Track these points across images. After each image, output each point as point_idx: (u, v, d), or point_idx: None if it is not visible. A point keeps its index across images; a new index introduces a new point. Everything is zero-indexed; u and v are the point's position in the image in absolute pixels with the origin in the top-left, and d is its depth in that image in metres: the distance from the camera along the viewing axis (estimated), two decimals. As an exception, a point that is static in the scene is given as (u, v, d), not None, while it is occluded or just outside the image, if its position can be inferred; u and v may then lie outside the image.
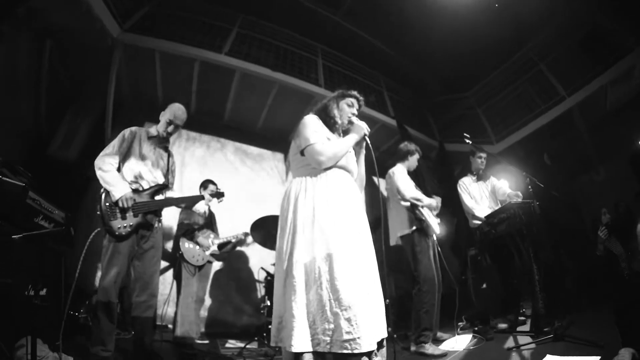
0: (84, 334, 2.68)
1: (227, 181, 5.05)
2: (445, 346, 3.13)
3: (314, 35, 5.96)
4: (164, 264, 4.47)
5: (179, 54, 4.51)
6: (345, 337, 1.51)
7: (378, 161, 2.09)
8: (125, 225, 2.47)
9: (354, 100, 2.14)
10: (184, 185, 4.76)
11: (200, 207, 4.08)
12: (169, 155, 2.93)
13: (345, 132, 2.08)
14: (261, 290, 4.11)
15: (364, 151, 2.14)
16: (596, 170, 6.24)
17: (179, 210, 4.20)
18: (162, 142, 2.87)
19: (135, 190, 2.58)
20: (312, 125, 1.96)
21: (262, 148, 6.09)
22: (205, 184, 4.25)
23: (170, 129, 2.83)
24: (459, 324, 3.78)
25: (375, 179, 6.01)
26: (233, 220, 4.70)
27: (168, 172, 2.86)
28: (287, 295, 1.65)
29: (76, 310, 3.10)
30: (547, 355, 2.26)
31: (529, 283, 3.29)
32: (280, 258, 1.80)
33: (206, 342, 3.89)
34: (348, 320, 1.53)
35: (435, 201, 3.63)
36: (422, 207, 3.39)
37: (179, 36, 4.58)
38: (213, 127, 5.65)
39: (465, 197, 3.99)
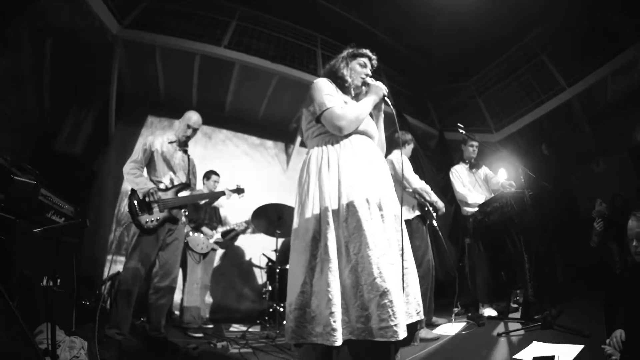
0: (95, 320, 2.84)
1: (229, 171, 5.17)
2: (439, 331, 3.25)
3: (313, 26, 5.96)
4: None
5: (179, 49, 4.57)
6: (382, 324, 1.35)
7: None
8: (152, 219, 2.70)
9: (366, 60, 1.90)
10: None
11: (223, 202, 4.26)
12: (189, 157, 3.17)
13: (358, 96, 1.86)
14: (263, 276, 4.26)
15: (382, 115, 1.90)
16: (596, 161, 6.27)
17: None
18: (181, 145, 3.10)
19: (160, 189, 2.82)
20: (325, 88, 1.71)
21: (263, 138, 6.19)
22: (208, 175, 4.38)
23: (189, 132, 3.09)
24: (454, 310, 3.91)
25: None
26: (236, 209, 4.83)
27: (189, 173, 3.10)
28: (324, 282, 1.43)
29: (87, 299, 3.29)
30: (534, 341, 2.35)
31: (520, 271, 3.41)
32: (302, 237, 1.57)
33: (211, 326, 4.06)
34: (383, 306, 1.36)
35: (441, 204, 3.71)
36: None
37: (178, 30, 4.64)
38: (214, 119, 5.72)
39: (457, 184, 4.02)
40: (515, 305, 3.74)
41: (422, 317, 1.58)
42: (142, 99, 5.25)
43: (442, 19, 6.30)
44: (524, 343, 2.39)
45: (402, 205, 1.77)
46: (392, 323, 1.35)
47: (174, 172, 2.98)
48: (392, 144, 3.79)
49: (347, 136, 1.68)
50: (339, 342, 1.35)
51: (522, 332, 2.73)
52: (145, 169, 2.92)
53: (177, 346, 2.73)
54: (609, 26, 5.40)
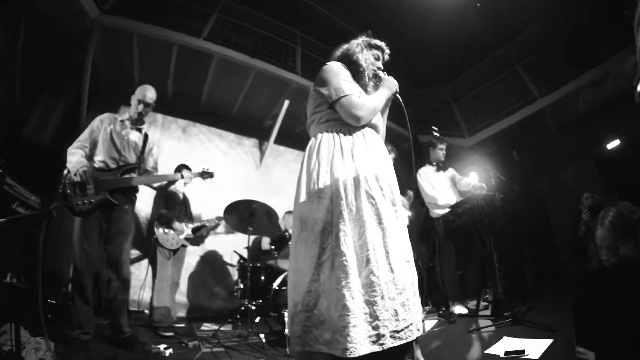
0: (62, 319, 2.68)
1: (202, 166, 5.03)
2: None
3: (294, 23, 5.93)
4: (139, 248, 4.46)
5: (157, 38, 4.42)
6: (401, 325, 1.27)
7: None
8: (85, 201, 2.46)
9: (379, 53, 1.83)
10: (159, 170, 4.71)
11: (180, 186, 4.08)
12: (145, 137, 2.90)
13: (364, 87, 1.74)
14: (234, 274, 4.17)
15: (387, 111, 1.86)
16: (564, 169, 6.57)
17: (154, 195, 4.18)
18: (134, 123, 2.84)
19: (98, 169, 2.57)
20: (343, 74, 1.62)
21: (237, 134, 6.08)
22: (179, 169, 4.23)
23: (140, 108, 2.82)
24: (425, 307, 3.97)
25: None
26: (207, 205, 4.72)
27: (143, 154, 2.83)
28: (334, 279, 1.28)
29: (54, 297, 3.07)
30: (504, 337, 2.42)
31: (490, 271, 3.50)
32: (311, 228, 1.41)
33: (182, 325, 3.93)
34: (402, 305, 1.30)
35: (407, 197, 3.76)
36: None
37: (158, 19, 4.47)
38: (189, 112, 5.59)
39: (426, 186, 4.05)
40: (485, 303, 3.85)
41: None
42: (116, 89, 5.02)
43: (422, 27, 6.44)
44: (494, 339, 2.45)
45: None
46: (409, 322, 1.29)
47: (120, 153, 2.70)
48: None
49: (359, 127, 1.59)
50: (353, 354, 1.16)
51: (492, 328, 2.80)
52: (91, 149, 2.66)
53: (147, 345, 2.60)
54: (583, 42, 5.66)
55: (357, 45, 1.79)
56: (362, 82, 1.72)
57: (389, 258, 1.33)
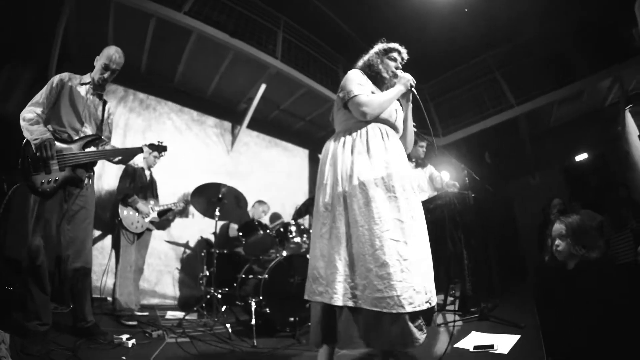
0: (19, 309, 2.44)
1: (171, 146, 4.79)
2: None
3: (279, 7, 5.74)
4: (102, 231, 4.21)
5: (135, 7, 4.11)
6: (377, 294, 1.45)
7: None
8: (50, 180, 2.17)
9: (396, 55, 2.01)
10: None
11: (139, 161, 3.85)
12: (104, 104, 2.65)
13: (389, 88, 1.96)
14: (201, 261, 4.02)
15: (411, 105, 2.01)
16: (532, 175, 6.87)
17: (119, 174, 3.94)
18: (96, 89, 2.59)
19: (61, 140, 2.29)
20: (356, 79, 1.87)
21: (210, 115, 5.87)
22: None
23: (106, 75, 2.58)
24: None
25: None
26: (174, 188, 4.53)
27: (102, 123, 2.59)
28: (329, 246, 1.62)
29: (11, 284, 2.73)
30: (473, 331, 2.47)
31: (458, 267, 3.56)
32: (317, 209, 1.76)
33: (145, 314, 3.74)
34: (380, 277, 1.47)
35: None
36: None
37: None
38: (161, 90, 5.32)
39: None
40: (451, 299, 3.92)
41: (432, 304, 1.58)
42: (87, 61, 4.66)
43: (405, 22, 6.43)
44: (462, 333, 2.49)
45: None
46: (386, 295, 1.44)
47: (82, 121, 2.44)
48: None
49: (370, 123, 1.80)
50: (335, 302, 1.51)
51: (460, 323, 2.86)
52: (48, 114, 2.36)
53: (109, 335, 2.44)
54: (563, 58, 5.92)
55: (376, 55, 2.00)
56: (386, 86, 1.94)
57: (373, 236, 1.53)
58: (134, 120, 4.92)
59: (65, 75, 2.48)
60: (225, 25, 4.80)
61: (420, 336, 1.48)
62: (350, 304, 1.50)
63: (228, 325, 2.96)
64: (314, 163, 6.80)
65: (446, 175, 4.25)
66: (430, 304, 1.55)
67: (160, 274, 4.64)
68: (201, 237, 4.33)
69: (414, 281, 1.50)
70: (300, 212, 4.19)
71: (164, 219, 4.32)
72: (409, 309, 1.44)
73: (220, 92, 5.72)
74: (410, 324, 1.45)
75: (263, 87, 5.36)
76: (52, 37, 3.99)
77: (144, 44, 4.62)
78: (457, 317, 3.02)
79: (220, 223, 4.05)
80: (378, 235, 1.53)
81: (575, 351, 1.79)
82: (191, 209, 4.48)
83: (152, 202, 3.90)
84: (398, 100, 1.93)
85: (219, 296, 3.56)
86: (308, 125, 6.67)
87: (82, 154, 2.34)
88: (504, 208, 6.55)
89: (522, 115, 6.25)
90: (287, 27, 5.83)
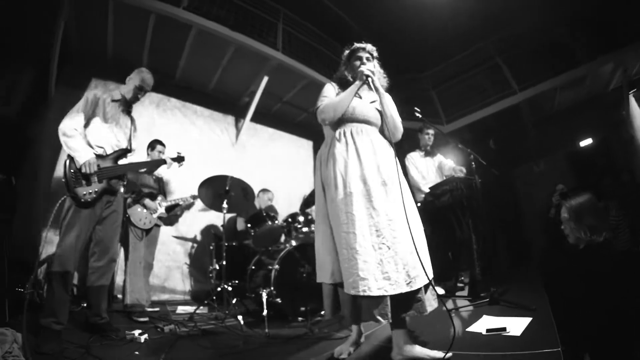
0: (30, 310, 2.49)
1: (176, 142, 4.85)
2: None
3: (278, -1, 5.73)
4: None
5: (134, 4, 4.10)
6: (352, 278, 1.67)
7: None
8: (90, 191, 2.41)
9: (360, 54, 2.09)
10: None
11: (163, 171, 3.93)
12: (132, 120, 2.85)
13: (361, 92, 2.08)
14: (210, 254, 4.05)
15: (385, 95, 2.05)
16: (536, 162, 6.84)
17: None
18: (125, 106, 2.78)
19: (99, 156, 2.51)
20: (323, 93, 2.05)
21: (213, 110, 5.90)
22: (152, 144, 4.06)
23: (140, 95, 2.80)
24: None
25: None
26: (181, 183, 4.55)
27: (131, 137, 2.80)
28: (319, 241, 1.96)
29: (21, 286, 2.84)
30: (484, 315, 2.48)
31: (467, 252, 3.57)
32: (316, 211, 2.06)
33: (156, 309, 3.79)
34: (355, 263, 1.67)
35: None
36: None
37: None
38: (164, 86, 5.33)
39: (412, 170, 4.12)
40: (461, 285, 3.94)
41: (414, 287, 1.69)
42: (87, 59, 4.69)
43: (407, 12, 6.40)
44: (474, 318, 2.50)
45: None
46: (357, 278, 1.66)
47: (115, 136, 2.66)
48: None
49: (340, 126, 1.97)
50: (328, 281, 1.88)
51: (471, 308, 2.87)
52: (84, 128, 2.53)
53: (122, 332, 2.51)
54: (565, 43, 5.88)
55: (343, 63, 2.17)
56: (367, 85, 2.01)
57: (340, 231, 1.77)
58: (137, 117, 4.90)
59: (98, 91, 2.70)
60: (225, 19, 4.79)
61: (380, 317, 1.64)
62: (329, 280, 1.88)
63: (240, 317, 2.97)
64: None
65: (451, 162, 4.26)
66: (386, 291, 1.64)
67: (169, 270, 4.69)
68: (211, 230, 4.36)
69: (359, 268, 1.66)
70: (307, 203, 4.20)
71: (172, 215, 4.35)
72: (352, 292, 1.67)
73: (223, 86, 5.72)
74: (367, 305, 1.66)
75: (265, 79, 5.36)
76: (51, 36, 3.99)
77: (144, 41, 4.63)
78: (467, 302, 3.03)
79: (228, 216, 4.07)
80: (336, 230, 1.81)
81: (586, 334, 1.80)
82: (198, 202, 4.50)
83: (159, 198, 3.92)
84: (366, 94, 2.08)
85: (230, 289, 3.59)
86: (311, 117, 6.59)
87: (116, 167, 2.58)
88: (509, 194, 6.54)
89: (525, 101, 6.23)
90: (287, 18, 5.81)
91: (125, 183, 2.73)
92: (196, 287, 4.77)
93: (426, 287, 1.81)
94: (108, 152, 2.59)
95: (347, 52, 2.16)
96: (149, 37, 4.56)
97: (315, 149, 7.01)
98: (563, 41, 5.89)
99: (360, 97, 2.07)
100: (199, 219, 5.01)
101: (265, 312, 2.88)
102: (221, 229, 3.86)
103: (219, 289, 3.60)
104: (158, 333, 2.71)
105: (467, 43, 6.91)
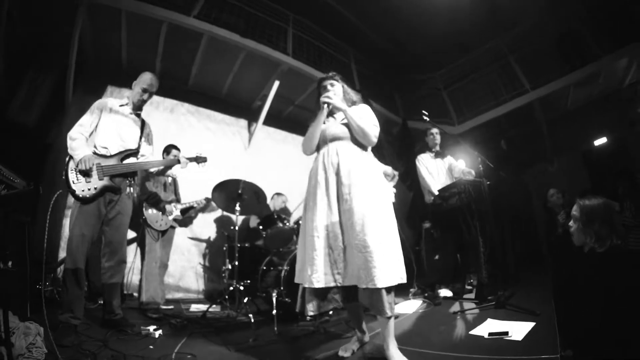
0: (50, 305, 2.66)
1: (190, 146, 4.97)
2: (397, 309, 3.37)
3: (287, 4, 5.80)
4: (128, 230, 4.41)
5: (146, 14, 4.26)
6: (312, 273, 1.92)
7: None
8: (89, 187, 2.51)
9: (325, 83, 2.31)
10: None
11: (177, 171, 4.04)
12: (143, 122, 2.96)
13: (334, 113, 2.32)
14: (224, 255, 4.17)
15: (348, 109, 2.19)
16: (550, 161, 6.70)
17: (141, 176, 4.11)
18: (134, 109, 2.90)
19: (101, 155, 2.61)
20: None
21: (226, 114, 6.03)
22: (167, 149, 4.19)
23: (145, 97, 2.90)
24: (411, 290, 4.06)
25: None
26: (195, 186, 4.68)
27: (141, 139, 2.89)
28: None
29: (42, 283, 3.02)
30: (488, 319, 2.50)
31: (474, 255, 3.58)
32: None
33: (171, 307, 3.95)
34: (310, 262, 1.95)
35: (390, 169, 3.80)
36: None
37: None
38: (177, 92, 5.50)
39: (423, 171, 4.13)
40: (469, 287, 3.95)
41: (364, 286, 1.81)
42: (102, 67, 4.88)
43: (418, 13, 6.39)
44: (478, 321, 2.53)
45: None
46: (307, 273, 1.94)
47: (122, 138, 2.76)
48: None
49: (321, 149, 2.22)
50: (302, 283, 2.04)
51: (476, 311, 2.88)
52: (92, 134, 2.70)
53: (137, 327, 2.63)
54: (578, 39, 5.73)
55: (317, 95, 2.33)
56: (329, 116, 2.29)
57: (305, 235, 2.09)
58: (152, 123, 5.07)
59: (105, 100, 2.83)
60: (235, 26, 4.91)
61: (319, 307, 1.97)
62: (307, 284, 2.01)
63: (250, 316, 3.08)
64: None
65: (462, 164, 4.26)
66: (332, 283, 1.93)
67: (184, 269, 4.84)
68: (224, 232, 4.48)
69: (312, 266, 1.93)
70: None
71: (187, 217, 4.50)
72: (306, 284, 1.95)
73: (235, 91, 5.85)
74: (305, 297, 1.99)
75: (276, 84, 5.45)
76: (67, 48, 4.16)
77: (157, 49, 4.78)
78: (474, 305, 3.05)
79: (241, 218, 4.20)
80: (306, 235, 2.08)
81: (589, 340, 1.79)
82: (212, 204, 4.63)
83: (174, 201, 4.07)
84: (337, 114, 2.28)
85: (241, 288, 3.70)
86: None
87: (119, 165, 2.66)
88: (521, 196, 6.44)
89: (537, 100, 6.11)
90: (296, 23, 5.90)
91: (132, 183, 2.81)
92: (209, 287, 4.90)
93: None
94: (112, 152, 2.68)
95: (316, 86, 2.40)
96: (162, 45, 4.72)
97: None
98: (575, 37, 5.76)
99: (335, 119, 2.28)
100: (212, 221, 5.14)
101: (274, 311, 2.96)
102: (234, 230, 3.98)
103: (231, 288, 3.73)
104: (172, 329, 2.83)
105: (477, 42, 6.82)
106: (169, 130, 5.21)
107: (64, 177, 2.51)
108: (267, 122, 6.04)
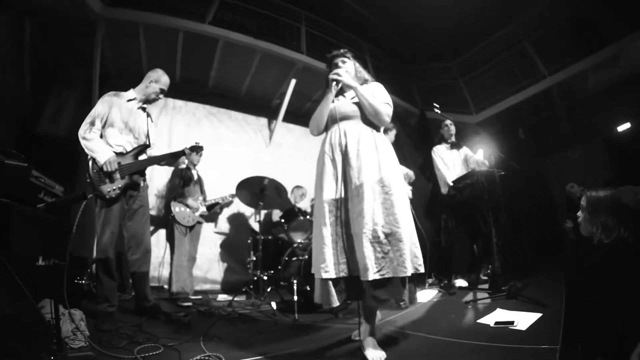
0: (87, 298, 2.97)
1: (214, 147, 5.28)
2: (413, 299, 3.49)
3: (298, 2, 5.90)
4: (157, 227, 4.72)
5: (162, 25, 4.48)
6: (318, 264, 1.88)
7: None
8: (114, 188, 2.61)
9: (335, 60, 2.24)
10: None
11: (181, 162, 4.22)
12: (148, 116, 3.04)
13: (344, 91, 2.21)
14: (248, 247, 4.40)
15: (357, 87, 2.07)
16: (572, 148, 6.46)
17: (170, 174, 4.40)
18: (144, 103, 2.97)
19: (118, 154, 2.68)
20: None
21: (246, 113, 6.23)
22: (195, 149, 4.41)
23: (161, 96, 3.01)
24: (428, 280, 4.17)
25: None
26: (220, 183, 4.93)
27: (149, 133, 2.98)
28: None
29: (80, 278, 3.32)
30: (497, 309, 2.58)
31: (488, 245, 3.63)
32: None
33: (199, 297, 4.26)
34: (320, 252, 1.88)
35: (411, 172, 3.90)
36: None
37: (161, 7, 4.51)
38: (198, 95, 5.73)
39: (438, 163, 4.17)
40: (485, 278, 4.01)
41: (370, 278, 1.74)
42: (124, 78, 5.08)
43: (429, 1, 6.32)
44: (488, 310, 2.61)
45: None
46: (319, 264, 1.87)
47: (133, 134, 2.83)
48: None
49: (329, 129, 2.14)
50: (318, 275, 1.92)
51: (488, 300, 2.96)
52: (102, 130, 2.72)
53: (169, 313, 2.84)
54: (595, 21, 5.49)
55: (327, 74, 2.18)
56: (339, 94, 2.18)
57: (319, 218, 1.95)
58: (175, 126, 5.38)
59: (111, 94, 2.84)
60: (249, 28, 5.04)
61: (337, 299, 1.84)
62: (324, 276, 1.93)
63: (273, 304, 3.28)
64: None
65: (480, 155, 4.28)
66: (342, 274, 1.86)
67: (211, 262, 5.13)
68: (249, 226, 4.73)
69: (321, 256, 1.86)
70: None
71: (213, 212, 4.77)
72: (317, 275, 1.88)
73: (253, 91, 6.02)
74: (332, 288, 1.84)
75: (293, 82, 5.59)
76: (90, 62, 4.39)
77: (176, 56, 5.01)
78: (486, 295, 3.12)
79: (264, 212, 4.41)
80: (315, 223, 2.02)
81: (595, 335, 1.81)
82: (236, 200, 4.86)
83: (200, 198, 4.33)
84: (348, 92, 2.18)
85: (265, 278, 3.94)
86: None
87: (136, 163, 2.77)
88: (538, 184, 6.31)
89: (555, 86, 5.95)
90: (309, 20, 5.98)
91: (145, 177, 2.89)
92: (235, 278, 5.16)
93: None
94: (127, 150, 2.75)
95: (326, 65, 2.30)
96: (180, 52, 4.94)
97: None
98: (590, 18, 5.52)
99: (345, 97, 2.19)
100: (237, 215, 5.40)
101: (295, 299, 3.12)
102: (257, 224, 4.21)
103: (255, 278, 3.96)
104: (200, 315, 3.08)
105: (492, 29, 6.68)
106: (192, 132, 5.43)
107: (88, 180, 2.58)
108: (286, 119, 6.19)
